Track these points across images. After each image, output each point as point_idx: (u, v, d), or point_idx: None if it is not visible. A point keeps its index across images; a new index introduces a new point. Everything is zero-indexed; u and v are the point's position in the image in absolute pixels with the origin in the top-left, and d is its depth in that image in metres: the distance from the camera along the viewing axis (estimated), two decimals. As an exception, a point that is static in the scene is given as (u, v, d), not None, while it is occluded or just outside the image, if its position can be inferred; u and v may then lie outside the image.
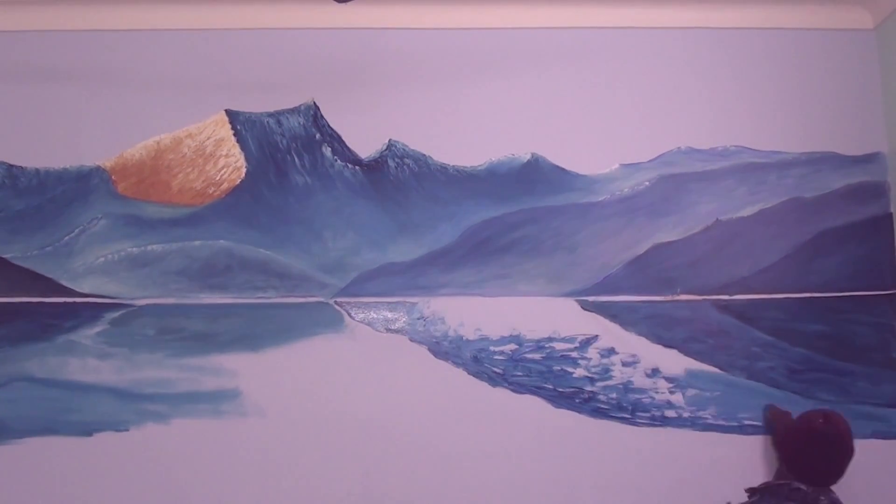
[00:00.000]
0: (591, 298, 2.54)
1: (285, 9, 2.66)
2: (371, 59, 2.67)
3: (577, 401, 2.48)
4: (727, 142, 2.64)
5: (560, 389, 2.48)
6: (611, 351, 2.51)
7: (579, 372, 2.50)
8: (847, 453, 1.96)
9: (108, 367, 2.47)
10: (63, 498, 2.40)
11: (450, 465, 2.43)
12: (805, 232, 2.58)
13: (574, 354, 2.51)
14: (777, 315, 2.54)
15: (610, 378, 2.48)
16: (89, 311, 2.50)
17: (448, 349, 2.51)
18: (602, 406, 2.47)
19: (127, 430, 2.43)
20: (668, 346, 2.52)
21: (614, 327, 2.52)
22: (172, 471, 2.42)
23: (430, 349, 2.51)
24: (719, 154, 2.63)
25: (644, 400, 2.47)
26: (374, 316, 2.53)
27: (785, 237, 2.58)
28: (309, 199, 2.59)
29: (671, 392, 2.49)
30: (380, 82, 2.66)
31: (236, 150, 2.63)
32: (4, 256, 2.52)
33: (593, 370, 2.50)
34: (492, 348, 2.51)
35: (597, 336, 2.51)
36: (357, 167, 2.62)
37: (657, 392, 2.49)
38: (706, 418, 2.48)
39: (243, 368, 2.47)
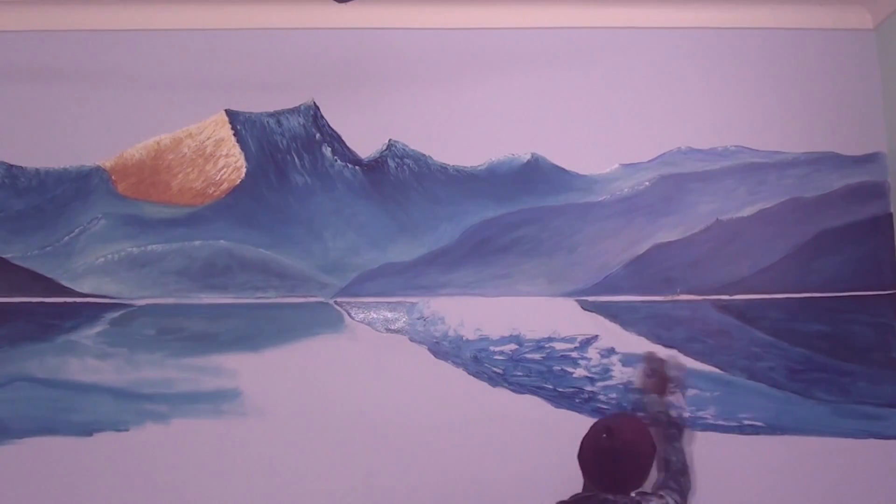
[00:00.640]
0: (591, 298, 2.54)
1: (285, 9, 2.66)
2: (371, 59, 2.67)
3: (577, 401, 2.48)
4: (727, 142, 2.64)
5: (560, 389, 2.48)
6: (611, 351, 2.51)
7: (579, 372, 2.50)
8: (641, 459, 1.87)
9: (108, 367, 2.47)
10: (63, 498, 2.40)
11: (450, 465, 2.43)
12: (805, 232, 2.58)
13: (574, 354, 2.51)
14: (777, 315, 2.54)
15: (610, 378, 2.48)
16: (89, 311, 2.50)
17: (448, 349, 2.51)
18: (602, 406, 2.47)
19: (127, 430, 2.43)
20: (668, 346, 2.52)
21: (614, 327, 2.52)
22: (172, 471, 2.42)
23: (430, 349, 2.51)
24: (719, 154, 2.63)
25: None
26: (374, 316, 2.53)
27: (785, 237, 2.58)
28: (309, 199, 2.59)
29: (671, 392, 2.48)
30: (380, 82, 2.66)
31: (236, 150, 2.63)
32: (4, 256, 2.53)
33: (593, 370, 2.50)
34: (492, 348, 2.51)
35: (597, 336, 2.51)
36: (357, 167, 2.62)
37: (657, 392, 2.49)
38: (706, 418, 2.48)
39: (243, 368, 2.47)
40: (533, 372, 2.50)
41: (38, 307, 2.50)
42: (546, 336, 2.52)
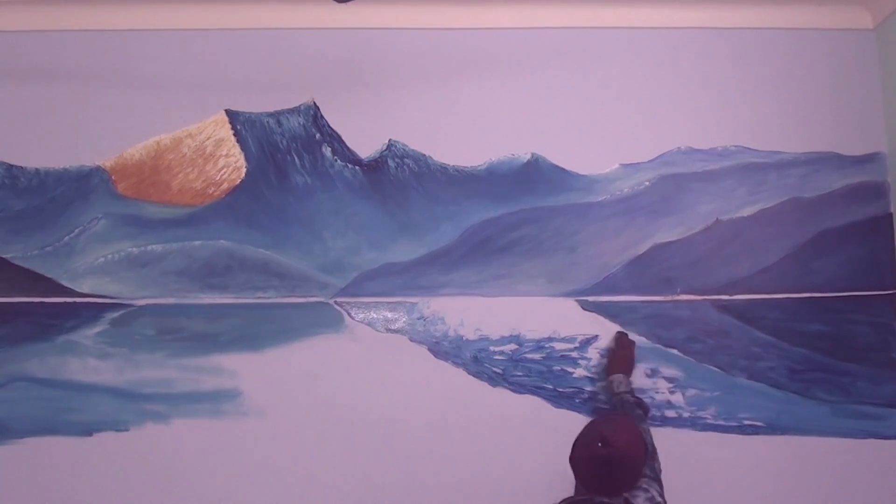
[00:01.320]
0: (591, 298, 2.54)
1: (285, 9, 2.65)
2: (371, 59, 2.67)
3: (577, 401, 2.48)
4: (727, 142, 2.64)
5: (560, 389, 2.48)
6: (606, 351, 2.50)
7: (579, 372, 2.50)
8: (637, 462, 1.87)
9: (108, 367, 2.47)
10: (63, 498, 2.40)
11: (450, 465, 2.43)
12: (805, 232, 2.58)
13: (574, 354, 2.51)
14: (777, 315, 2.54)
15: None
16: (89, 311, 2.50)
17: (448, 349, 2.51)
18: (602, 406, 2.46)
19: (127, 430, 2.43)
20: (668, 346, 2.52)
21: (614, 327, 2.52)
22: (172, 471, 2.42)
23: (430, 349, 2.51)
24: (719, 154, 2.63)
25: (644, 400, 2.47)
26: (374, 316, 2.53)
27: (785, 237, 2.58)
28: (309, 200, 2.59)
29: (671, 392, 2.49)
30: (380, 82, 2.66)
31: (236, 150, 2.63)
32: (4, 256, 2.53)
33: (593, 370, 2.50)
34: (492, 348, 2.51)
35: (597, 336, 2.51)
36: (357, 167, 2.62)
37: (657, 392, 2.49)
38: (706, 418, 2.48)
39: (243, 368, 2.47)
40: (533, 372, 2.50)
41: (38, 307, 2.50)
42: (546, 336, 2.52)
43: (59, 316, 2.50)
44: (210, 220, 2.57)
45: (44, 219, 2.55)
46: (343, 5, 2.24)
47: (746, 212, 2.59)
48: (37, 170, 2.59)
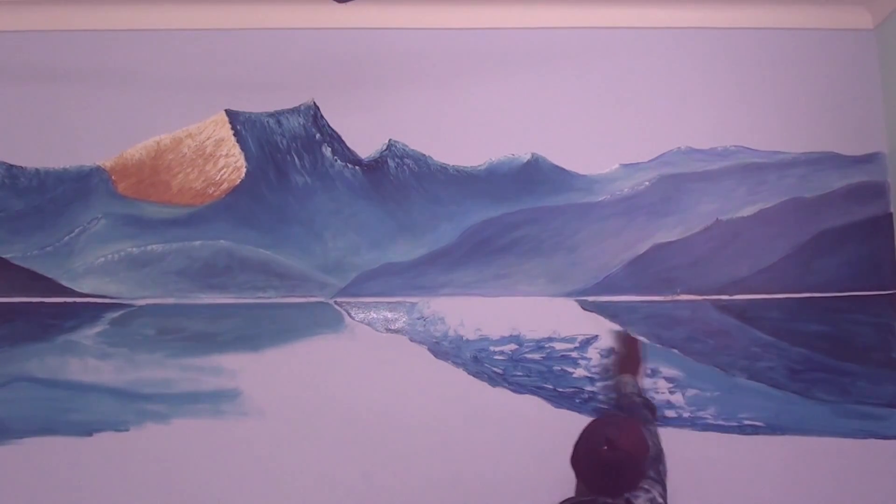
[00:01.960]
0: (591, 298, 2.54)
1: (285, 9, 2.66)
2: (371, 59, 2.67)
3: (577, 401, 2.48)
4: (727, 142, 2.64)
5: (560, 389, 2.48)
6: (611, 351, 2.51)
7: (579, 372, 2.50)
8: (641, 463, 1.85)
9: (108, 367, 2.47)
10: (63, 498, 2.41)
11: (450, 465, 2.43)
12: (805, 232, 2.58)
13: (574, 354, 2.51)
14: (777, 315, 2.54)
15: (610, 378, 2.47)
16: (89, 311, 2.50)
17: (448, 349, 2.51)
18: (602, 406, 2.46)
19: (127, 430, 2.43)
20: (668, 346, 2.52)
21: (614, 327, 2.52)
22: (172, 471, 2.42)
23: (430, 349, 2.51)
24: (719, 154, 2.63)
25: (652, 401, 2.47)
26: (374, 316, 2.53)
27: (785, 237, 2.58)
28: (309, 200, 2.59)
29: (671, 392, 2.49)
30: (380, 82, 2.66)
31: (236, 150, 2.63)
32: (4, 256, 2.53)
33: (593, 370, 2.50)
34: (492, 348, 2.51)
35: (597, 336, 2.51)
36: (357, 167, 2.62)
37: (657, 392, 2.49)
38: (706, 418, 2.48)
39: (243, 368, 2.47)
40: (533, 372, 2.50)
41: (38, 307, 2.50)
42: (546, 336, 2.52)
43: (59, 316, 2.50)
44: (210, 220, 2.57)
45: (44, 219, 2.55)
46: (343, 5, 2.24)
47: (746, 212, 2.59)
48: (37, 170, 2.59)
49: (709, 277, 2.56)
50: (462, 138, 2.63)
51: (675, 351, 2.51)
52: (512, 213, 2.59)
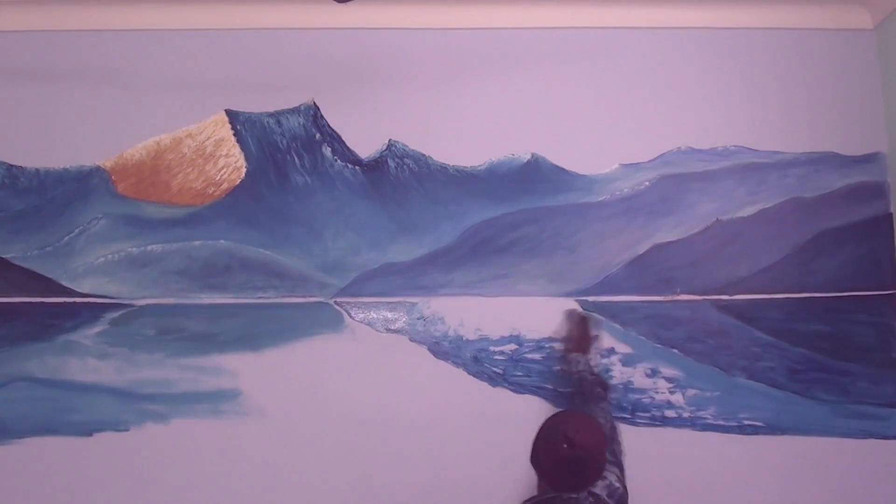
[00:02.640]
0: (591, 298, 2.54)
1: (285, 9, 2.66)
2: (371, 59, 2.67)
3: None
4: (727, 142, 2.64)
5: (560, 389, 2.48)
6: (611, 351, 2.51)
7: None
8: (601, 457, 1.85)
9: (108, 367, 2.47)
10: (63, 498, 2.40)
11: (450, 465, 2.43)
12: (805, 232, 2.58)
13: (574, 354, 2.51)
14: (777, 315, 2.54)
15: (610, 378, 2.48)
16: (89, 311, 2.50)
17: (448, 349, 2.51)
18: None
19: (127, 430, 2.43)
20: (668, 346, 2.52)
21: (614, 327, 2.52)
22: (172, 471, 2.42)
23: (430, 349, 2.51)
24: (719, 154, 2.63)
25: (644, 400, 2.48)
26: (374, 316, 2.53)
27: (785, 237, 2.58)
28: (309, 199, 2.59)
29: (671, 392, 2.49)
30: (380, 82, 2.66)
31: (236, 150, 2.63)
32: (4, 256, 2.53)
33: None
34: (492, 348, 2.51)
35: (596, 336, 2.51)
36: (357, 167, 2.62)
37: (657, 392, 2.49)
38: (706, 418, 2.48)
39: (243, 368, 2.47)
40: (533, 372, 2.50)
41: (38, 307, 2.50)
42: (546, 336, 2.52)
43: (59, 316, 2.50)
44: (210, 220, 2.57)
45: (44, 219, 2.55)
46: (343, 5, 2.24)
47: (746, 212, 2.59)
48: (37, 170, 2.59)
49: (709, 277, 2.56)
50: (462, 138, 2.63)
51: (675, 351, 2.51)
52: (512, 213, 2.59)
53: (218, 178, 2.62)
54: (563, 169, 2.61)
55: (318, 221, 2.58)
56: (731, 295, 2.55)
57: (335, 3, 2.20)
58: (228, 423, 2.44)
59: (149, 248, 2.55)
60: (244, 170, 2.62)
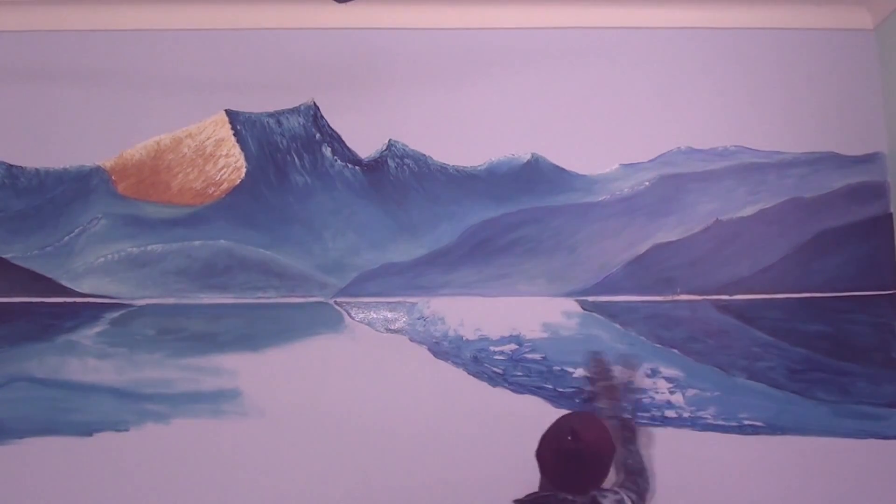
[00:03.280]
0: (591, 298, 2.54)
1: (285, 9, 2.66)
2: (371, 59, 2.67)
3: (576, 401, 2.47)
4: (727, 142, 2.64)
5: (560, 389, 2.48)
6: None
7: (579, 372, 2.49)
8: (603, 460, 1.84)
9: (108, 367, 2.47)
10: (63, 498, 2.40)
11: (450, 465, 2.43)
12: (805, 232, 2.58)
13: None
14: (777, 315, 2.54)
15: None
16: (89, 311, 2.50)
17: (448, 349, 2.51)
18: (602, 406, 2.46)
19: (127, 430, 2.43)
20: (668, 346, 2.52)
21: (613, 327, 2.52)
22: (172, 471, 2.42)
23: (430, 349, 2.51)
24: (719, 154, 2.63)
25: (644, 400, 2.47)
26: (374, 316, 2.53)
27: (785, 237, 2.58)
28: (309, 199, 2.59)
29: (671, 392, 2.49)
30: (380, 82, 2.66)
31: (236, 150, 2.63)
32: (4, 256, 2.53)
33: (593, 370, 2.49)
34: (492, 348, 2.51)
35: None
36: (357, 167, 2.62)
37: (657, 392, 2.49)
38: (706, 418, 2.48)
39: (243, 368, 2.47)
40: (533, 372, 2.50)
41: (38, 307, 2.50)
42: (546, 336, 2.52)
43: (59, 316, 2.50)
44: (210, 220, 2.57)
45: (44, 219, 2.55)
46: (343, 5, 2.24)
47: (746, 212, 2.59)
48: (37, 170, 2.59)
49: (709, 277, 2.56)
50: (462, 138, 2.63)
51: (675, 351, 2.51)
52: (512, 213, 2.59)
53: (218, 178, 2.62)
54: (563, 169, 2.61)
55: (318, 221, 2.58)
56: (731, 295, 2.55)
57: (335, 3, 2.20)
58: (228, 423, 2.44)
59: (149, 248, 2.55)
60: (244, 170, 2.62)
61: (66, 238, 2.55)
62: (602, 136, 2.63)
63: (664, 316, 2.54)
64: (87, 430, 2.43)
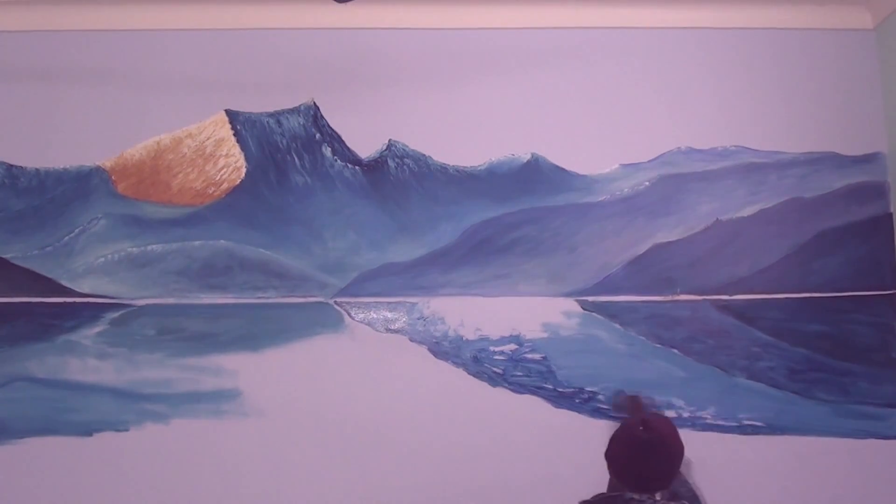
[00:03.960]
0: (591, 298, 2.54)
1: (285, 9, 2.66)
2: (371, 59, 2.67)
3: (576, 401, 2.48)
4: (727, 142, 2.64)
5: (560, 389, 2.48)
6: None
7: (582, 373, 2.49)
8: (673, 456, 1.85)
9: (108, 367, 2.47)
10: (63, 498, 2.40)
11: (450, 465, 2.43)
12: (805, 232, 2.58)
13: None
14: (777, 315, 2.54)
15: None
16: (89, 311, 2.50)
17: (448, 349, 2.51)
18: (602, 406, 2.46)
19: (127, 430, 2.43)
20: (668, 346, 2.52)
21: (613, 326, 2.52)
22: (172, 471, 2.42)
23: (430, 349, 2.51)
24: (719, 154, 2.63)
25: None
26: (374, 316, 2.53)
27: (785, 237, 2.58)
28: (309, 199, 2.59)
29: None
30: (380, 82, 2.66)
31: (236, 150, 2.63)
32: (4, 256, 2.52)
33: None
34: (492, 348, 2.51)
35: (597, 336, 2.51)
36: (357, 167, 2.62)
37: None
38: (706, 418, 2.48)
39: (243, 368, 2.47)
40: (533, 372, 2.50)
41: (38, 307, 2.50)
42: (546, 336, 2.52)
43: (59, 316, 2.50)
44: (210, 220, 2.57)
45: (44, 219, 2.55)
46: (343, 5, 2.24)
47: (746, 212, 2.59)
48: (37, 170, 2.59)
49: (709, 277, 2.56)
50: (462, 138, 2.63)
51: (675, 351, 2.51)
52: (512, 213, 2.59)
53: (218, 178, 2.62)
54: (563, 169, 2.61)
55: (318, 221, 2.58)
56: (731, 295, 2.55)
57: (335, 3, 2.19)
58: (228, 423, 2.44)
59: (149, 248, 2.55)
60: (244, 170, 2.62)
61: (66, 238, 2.55)
62: (602, 136, 2.63)
63: (664, 316, 2.54)
64: (86, 430, 2.43)
